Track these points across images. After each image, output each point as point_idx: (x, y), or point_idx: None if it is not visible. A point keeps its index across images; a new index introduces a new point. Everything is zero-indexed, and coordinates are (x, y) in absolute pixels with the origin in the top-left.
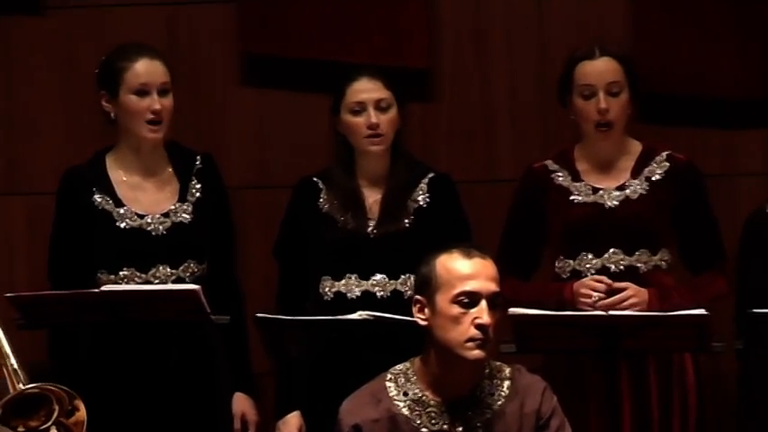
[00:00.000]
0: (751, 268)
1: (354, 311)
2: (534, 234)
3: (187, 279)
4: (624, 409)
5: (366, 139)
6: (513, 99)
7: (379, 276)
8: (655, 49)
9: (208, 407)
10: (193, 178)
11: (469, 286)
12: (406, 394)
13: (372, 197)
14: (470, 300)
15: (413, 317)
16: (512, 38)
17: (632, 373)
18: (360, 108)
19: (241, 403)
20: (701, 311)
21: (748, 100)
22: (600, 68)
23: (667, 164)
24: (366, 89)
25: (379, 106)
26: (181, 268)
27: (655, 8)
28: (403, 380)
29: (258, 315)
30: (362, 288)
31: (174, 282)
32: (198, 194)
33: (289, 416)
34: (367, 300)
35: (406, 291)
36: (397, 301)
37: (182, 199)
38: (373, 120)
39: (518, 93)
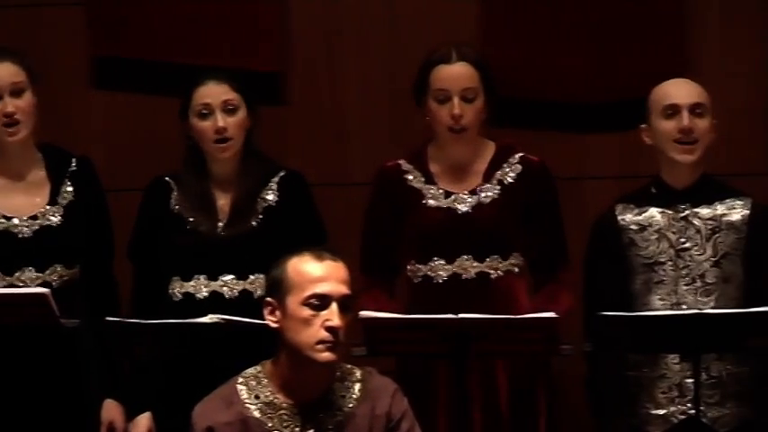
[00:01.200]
0: (599, 271)
1: (203, 312)
2: (393, 235)
3: (54, 283)
4: (474, 411)
5: (214, 144)
6: (365, 101)
7: (227, 277)
8: (506, 53)
9: (75, 414)
10: (66, 181)
11: (320, 288)
12: (257, 397)
13: (223, 198)
14: (321, 302)
15: (263, 318)
16: (363, 40)
17: (482, 373)
18: (207, 111)
19: (110, 410)
20: (550, 314)
21: (599, 103)
22: (456, 74)
23: (520, 166)
24: (212, 92)
25: (226, 108)
26: (47, 272)
27: (506, 12)
28: (254, 383)
29: (108, 318)
30: (211, 288)
31: (39, 286)
32: (70, 197)
33: (139, 417)
34: (215, 300)
35: (255, 290)
36: (245, 302)
37: (52, 202)
38: (220, 124)
39: (369, 95)
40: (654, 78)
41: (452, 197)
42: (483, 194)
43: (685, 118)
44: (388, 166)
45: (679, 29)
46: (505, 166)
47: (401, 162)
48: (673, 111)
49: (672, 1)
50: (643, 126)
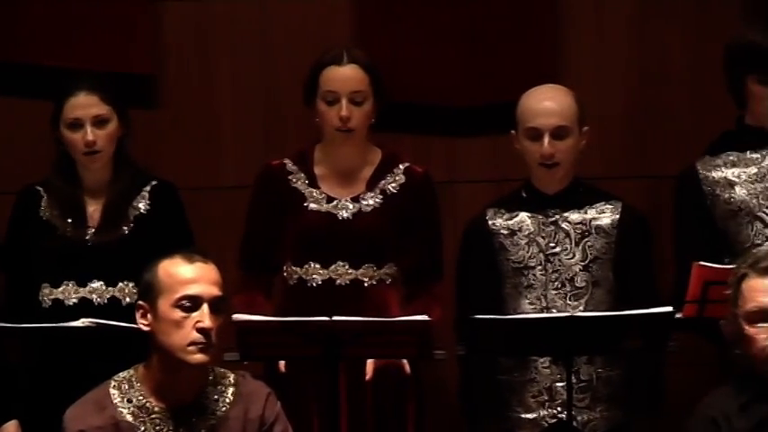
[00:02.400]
0: (470, 275)
1: (72, 318)
2: (273, 234)
3: None
4: (341, 413)
5: (84, 155)
6: (238, 104)
7: (96, 283)
8: (379, 56)
9: None
10: None
11: (191, 290)
12: (130, 401)
13: (93, 205)
14: (192, 304)
15: (134, 323)
16: (236, 43)
17: (349, 375)
18: (77, 123)
19: None
20: (423, 317)
21: (472, 107)
22: (345, 75)
23: (404, 176)
24: (83, 105)
25: (97, 122)
26: None
27: (379, 15)
28: (127, 386)
29: None
30: (80, 295)
31: None
32: None
33: (6, 425)
34: (84, 307)
35: (124, 298)
36: (114, 309)
37: None
38: (89, 137)
39: (242, 98)
40: (527, 82)
41: (334, 202)
42: (365, 202)
43: (546, 143)
44: (272, 164)
45: (552, 33)
46: (389, 175)
47: (286, 162)
48: (534, 133)
49: (546, 6)
50: (513, 132)
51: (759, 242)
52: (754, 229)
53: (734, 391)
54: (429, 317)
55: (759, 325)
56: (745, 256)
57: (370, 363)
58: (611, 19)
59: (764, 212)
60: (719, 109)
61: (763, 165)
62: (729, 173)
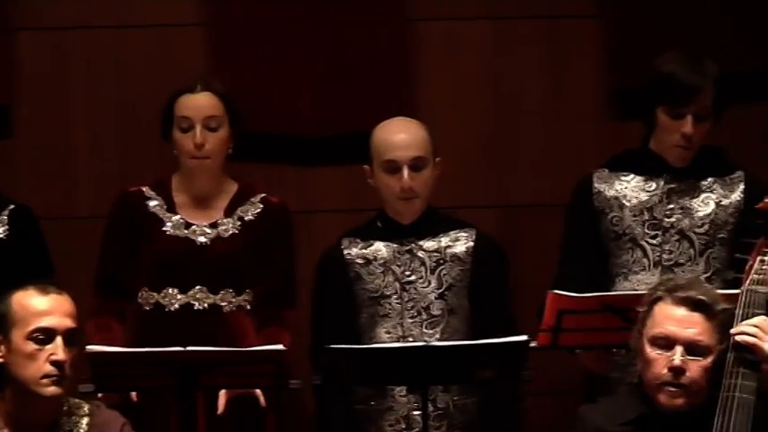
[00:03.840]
0: (325, 305)
1: None
2: (128, 260)
3: None
4: None
5: None
6: (93, 135)
7: None
8: (231, 86)
9: None
10: None
11: (44, 322)
12: None
13: None
14: (46, 336)
15: None
16: (91, 73)
17: (208, 404)
18: None
19: None
20: (278, 347)
21: (326, 136)
22: (199, 103)
23: (261, 205)
24: None
25: None
26: None
27: (231, 46)
28: None
29: None
30: None
31: None
32: None
33: None
34: None
35: None
36: None
37: None
38: None
39: (97, 129)
40: (381, 113)
41: (192, 227)
42: (222, 228)
43: (405, 175)
44: (130, 191)
45: (404, 64)
46: (247, 203)
47: (144, 189)
48: (392, 166)
49: (397, 37)
50: (366, 167)
51: (636, 269)
52: (634, 256)
53: (622, 406)
54: (279, 343)
55: (659, 352)
56: (666, 279)
57: (222, 395)
58: (463, 50)
59: (647, 242)
60: (573, 139)
61: (655, 194)
62: (622, 194)
